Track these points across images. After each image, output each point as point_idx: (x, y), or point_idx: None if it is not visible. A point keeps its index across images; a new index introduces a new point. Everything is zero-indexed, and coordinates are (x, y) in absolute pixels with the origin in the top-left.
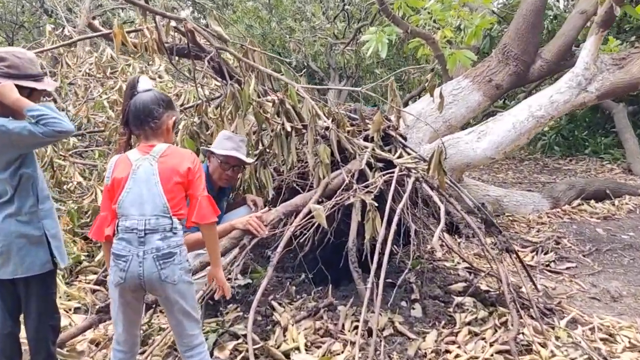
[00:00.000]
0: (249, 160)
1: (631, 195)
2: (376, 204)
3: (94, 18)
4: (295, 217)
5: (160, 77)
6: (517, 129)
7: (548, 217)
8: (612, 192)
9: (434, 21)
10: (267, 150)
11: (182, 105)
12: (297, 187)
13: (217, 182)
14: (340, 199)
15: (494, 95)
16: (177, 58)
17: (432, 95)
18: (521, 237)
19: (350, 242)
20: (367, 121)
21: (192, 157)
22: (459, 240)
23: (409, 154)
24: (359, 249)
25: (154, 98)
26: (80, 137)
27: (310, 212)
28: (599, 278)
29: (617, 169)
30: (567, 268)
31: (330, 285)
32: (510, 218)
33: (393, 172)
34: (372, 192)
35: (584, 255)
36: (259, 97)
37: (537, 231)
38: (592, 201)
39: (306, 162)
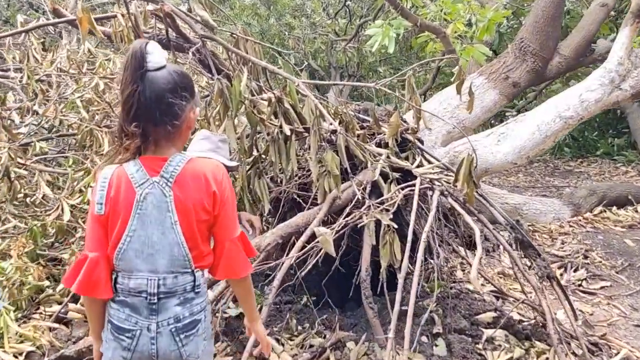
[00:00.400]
0: (232, 163)
1: None
2: (395, 226)
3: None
4: (295, 239)
5: None
6: (543, 131)
7: (570, 226)
8: (634, 198)
9: (444, 14)
10: (263, 157)
11: None
12: (297, 199)
13: None
14: (352, 219)
15: (510, 94)
16: None
17: (459, 92)
18: (546, 251)
19: (362, 271)
20: (380, 123)
21: (216, 171)
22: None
23: (429, 161)
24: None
25: (173, 82)
26: (48, 141)
27: (314, 235)
28: (638, 300)
29: (632, 172)
30: (602, 288)
31: (337, 310)
32: (531, 228)
33: (413, 185)
34: (389, 210)
35: (616, 272)
36: (253, 94)
37: (562, 243)
38: (614, 208)
39: (308, 170)
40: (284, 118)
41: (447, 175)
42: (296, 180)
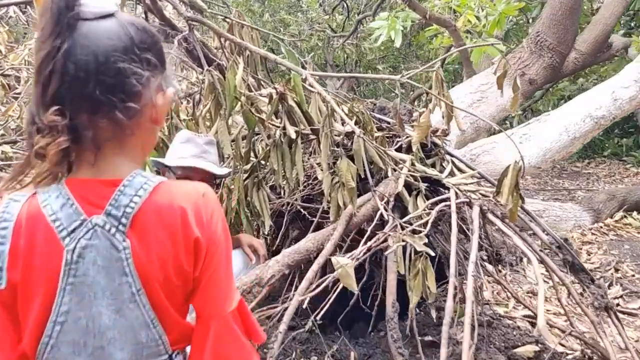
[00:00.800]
0: (222, 170)
1: None
2: (431, 252)
3: None
4: (303, 268)
5: None
6: (571, 132)
7: (592, 234)
8: None
9: (455, 5)
10: (262, 163)
11: None
12: (302, 212)
13: None
14: (375, 243)
15: (527, 92)
16: None
17: (500, 87)
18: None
19: (388, 307)
20: (404, 124)
21: (202, 204)
22: (503, 271)
23: (460, 170)
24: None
25: (127, 38)
26: (13, 145)
27: (327, 263)
28: None
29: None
30: None
31: (344, 335)
32: None
33: (447, 199)
34: (421, 232)
35: None
36: (250, 90)
37: (588, 254)
38: (634, 213)
39: (314, 178)
40: (288, 118)
41: (485, 187)
42: (301, 190)
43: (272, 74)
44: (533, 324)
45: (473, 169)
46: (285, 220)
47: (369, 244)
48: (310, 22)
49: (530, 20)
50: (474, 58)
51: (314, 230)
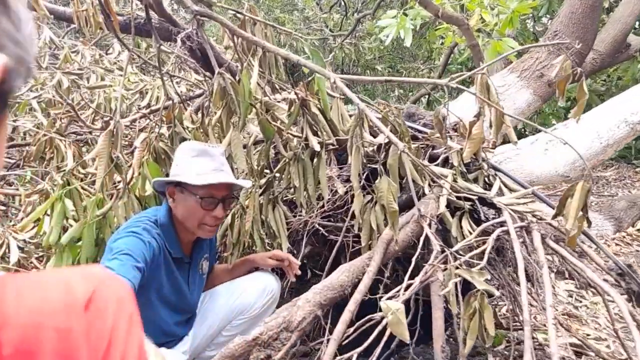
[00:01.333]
0: (246, 183)
1: None
2: (496, 293)
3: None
4: (341, 307)
5: (120, 68)
6: (604, 138)
7: (616, 244)
8: None
9: (463, 7)
10: (277, 177)
11: (148, 107)
12: (324, 232)
13: (195, 234)
14: (425, 278)
15: (545, 94)
16: (143, 42)
17: (562, 94)
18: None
19: (437, 352)
20: (448, 133)
21: (86, 330)
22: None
23: (508, 187)
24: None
25: None
26: None
27: (368, 303)
28: None
29: None
30: None
31: None
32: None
33: (502, 223)
34: (480, 264)
35: None
36: (265, 95)
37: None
38: None
39: (335, 192)
40: (310, 127)
41: (536, 207)
42: (320, 208)
43: (288, 74)
44: (577, 354)
45: (525, 186)
46: (303, 242)
47: (416, 279)
48: (307, 21)
49: (536, 20)
50: (489, 57)
51: (339, 253)
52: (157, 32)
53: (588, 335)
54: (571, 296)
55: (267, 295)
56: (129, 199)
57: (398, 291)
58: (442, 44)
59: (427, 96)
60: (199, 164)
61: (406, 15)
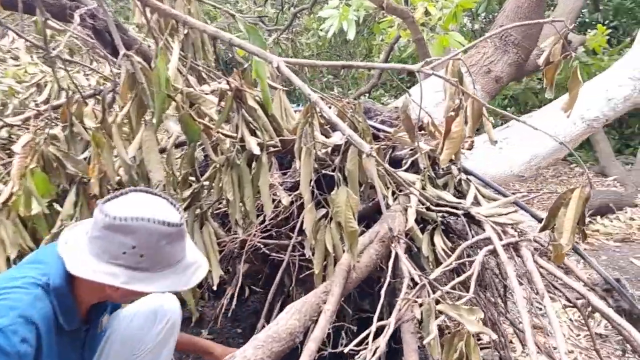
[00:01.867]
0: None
1: (630, 207)
2: (494, 336)
3: None
4: None
5: (16, 57)
6: (560, 136)
7: None
8: (614, 206)
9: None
10: (206, 187)
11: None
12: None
13: (104, 299)
14: (399, 317)
15: (492, 90)
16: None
17: (550, 83)
18: (565, 284)
19: None
20: (418, 131)
21: None
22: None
23: (483, 195)
24: None
25: None
26: None
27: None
28: None
29: (589, 173)
30: None
31: None
32: None
33: (487, 240)
34: (463, 298)
35: None
36: (189, 85)
37: (567, 272)
38: (598, 218)
39: (278, 203)
40: (247, 125)
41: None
42: (261, 223)
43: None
44: None
45: (505, 195)
46: (240, 266)
47: (393, 315)
48: (241, 12)
49: (475, 17)
50: (434, 52)
51: (285, 272)
52: (49, 7)
53: (555, 348)
54: (532, 304)
55: (159, 321)
56: (9, 220)
57: (366, 337)
58: (382, 40)
59: (367, 94)
60: (173, 263)
61: (349, 5)
